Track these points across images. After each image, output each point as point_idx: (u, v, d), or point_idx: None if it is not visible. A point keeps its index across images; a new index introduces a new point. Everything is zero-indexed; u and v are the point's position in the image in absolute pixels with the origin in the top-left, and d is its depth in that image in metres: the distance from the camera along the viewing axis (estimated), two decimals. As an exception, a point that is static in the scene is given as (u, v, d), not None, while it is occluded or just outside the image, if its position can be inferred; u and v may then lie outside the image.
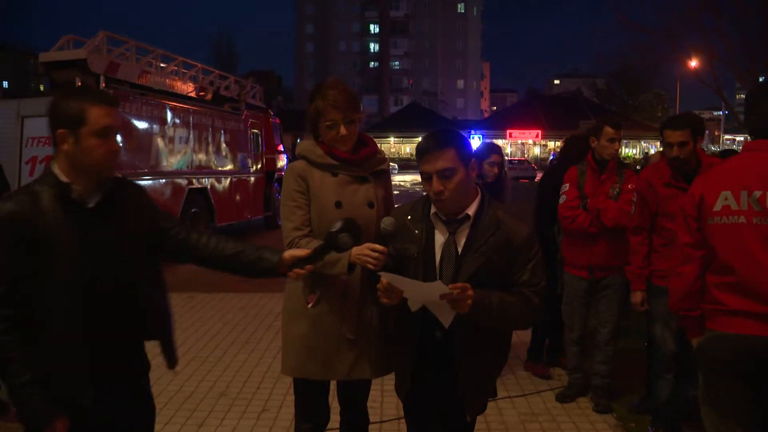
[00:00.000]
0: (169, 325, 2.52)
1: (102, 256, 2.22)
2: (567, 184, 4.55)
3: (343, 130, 2.72)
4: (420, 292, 2.34)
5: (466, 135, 2.60)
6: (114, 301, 2.25)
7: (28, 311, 2.14)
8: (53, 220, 2.14)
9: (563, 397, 4.70)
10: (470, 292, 2.28)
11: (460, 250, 2.46)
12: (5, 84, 54.95)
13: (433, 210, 2.51)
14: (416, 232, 2.51)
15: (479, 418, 2.92)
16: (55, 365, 2.18)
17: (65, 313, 2.16)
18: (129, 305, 2.30)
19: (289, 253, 2.47)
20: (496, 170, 4.89)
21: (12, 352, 2.11)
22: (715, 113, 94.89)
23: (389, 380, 2.74)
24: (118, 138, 2.31)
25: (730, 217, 2.56)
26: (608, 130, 4.43)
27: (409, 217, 2.55)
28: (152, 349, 2.49)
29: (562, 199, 4.52)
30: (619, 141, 4.51)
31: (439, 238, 2.50)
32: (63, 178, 2.18)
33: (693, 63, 33.05)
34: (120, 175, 2.43)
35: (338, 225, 2.42)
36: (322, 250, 2.45)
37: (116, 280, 2.26)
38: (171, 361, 2.52)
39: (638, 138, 51.08)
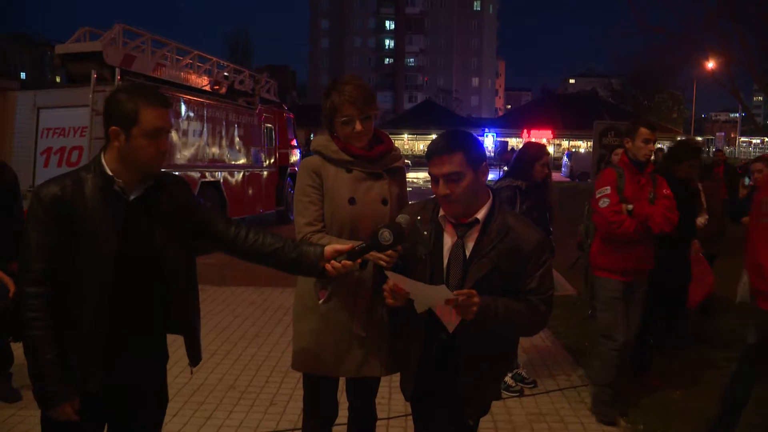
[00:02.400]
0: (195, 321, 2.54)
1: (136, 247, 2.28)
2: (608, 187, 4.33)
3: (358, 126, 2.71)
4: (425, 295, 2.31)
5: (478, 137, 2.56)
6: (141, 290, 2.31)
7: (58, 291, 2.21)
8: (93, 208, 2.22)
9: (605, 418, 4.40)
10: (476, 299, 2.23)
11: (468, 254, 2.43)
12: (23, 75, 55.45)
13: (442, 212, 2.48)
14: (425, 233, 2.49)
15: (487, 417, 2.91)
16: (73, 346, 2.23)
17: (92, 297, 2.22)
18: (156, 297, 2.34)
19: (330, 247, 2.49)
20: (546, 171, 4.78)
21: (39, 330, 2.18)
22: (732, 115, 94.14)
23: (397, 377, 2.74)
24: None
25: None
26: (643, 130, 4.34)
27: (418, 218, 2.52)
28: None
29: (605, 202, 4.30)
30: (654, 142, 4.40)
31: (448, 241, 2.47)
32: (108, 171, 2.26)
33: (710, 64, 32.75)
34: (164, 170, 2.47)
35: (383, 224, 2.41)
36: (364, 248, 2.42)
37: (146, 272, 2.31)
38: (194, 359, 2.55)
39: (653, 139, 50.73)
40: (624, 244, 4.31)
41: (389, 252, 2.45)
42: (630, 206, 4.27)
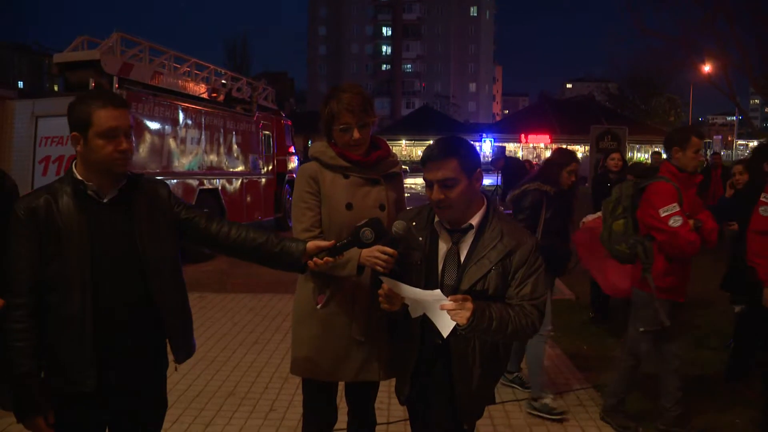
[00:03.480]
0: (180, 322, 2.54)
1: (114, 247, 2.32)
2: (675, 204, 3.93)
3: (356, 134, 2.73)
4: (420, 300, 2.34)
5: (473, 144, 2.58)
6: (125, 290, 2.33)
7: (44, 296, 2.26)
8: (68, 214, 2.27)
9: None
10: (470, 304, 2.24)
11: (462, 260, 2.46)
12: (21, 84, 55.56)
13: (437, 218, 2.51)
14: (420, 239, 2.51)
15: (486, 421, 2.92)
16: (62, 349, 2.27)
17: (75, 298, 2.25)
18: (141, 298, 2.36)
19: (312, 243, 2.50)
20: (573, 178, 4.70)
21: (20, 341, 2.22)
22: (729, 118, 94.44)
23: (397, 382, 2.75)
24: (131, 137, 2.38)
25: None
26: (696, 140, 4.04)
27: (414, 224, 2.54)
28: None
29: (677, 221, 3.89)
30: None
31: (443, 247, 2.50)
32: (78, 177, 2.32)
33: (707, 68, 32.87)
34: (138, 172, 2.50)
35: (363, 221, 2.43)
36: (345, 244, 2.45)
37: (128, 272, 2.33)
38: (177, 356, 2.56)
39: (650, 143, 50.79)
40: (686, 261, 4.10)
41: (386, 258, 2.48)
42: (700, 222, 4.05)
